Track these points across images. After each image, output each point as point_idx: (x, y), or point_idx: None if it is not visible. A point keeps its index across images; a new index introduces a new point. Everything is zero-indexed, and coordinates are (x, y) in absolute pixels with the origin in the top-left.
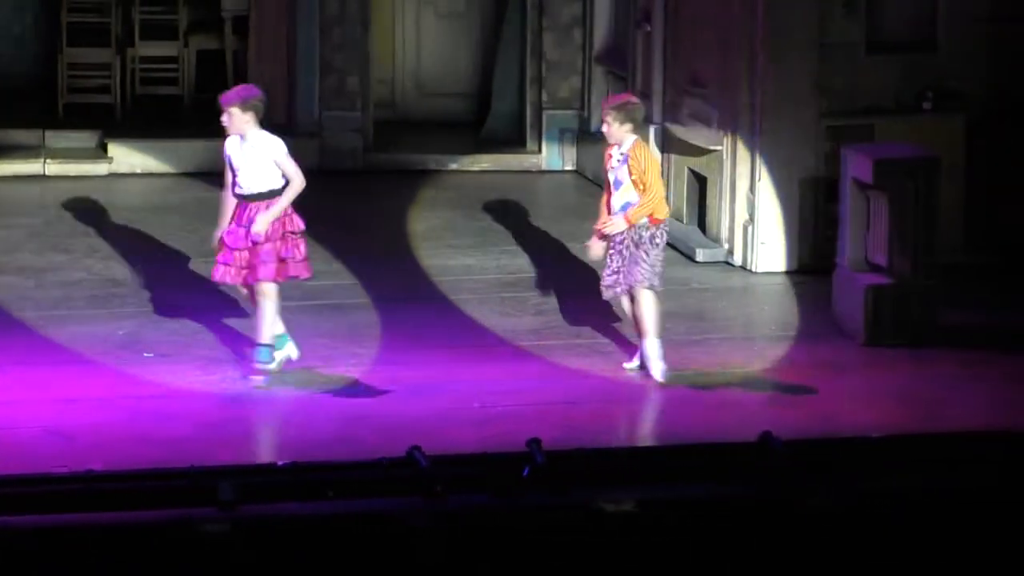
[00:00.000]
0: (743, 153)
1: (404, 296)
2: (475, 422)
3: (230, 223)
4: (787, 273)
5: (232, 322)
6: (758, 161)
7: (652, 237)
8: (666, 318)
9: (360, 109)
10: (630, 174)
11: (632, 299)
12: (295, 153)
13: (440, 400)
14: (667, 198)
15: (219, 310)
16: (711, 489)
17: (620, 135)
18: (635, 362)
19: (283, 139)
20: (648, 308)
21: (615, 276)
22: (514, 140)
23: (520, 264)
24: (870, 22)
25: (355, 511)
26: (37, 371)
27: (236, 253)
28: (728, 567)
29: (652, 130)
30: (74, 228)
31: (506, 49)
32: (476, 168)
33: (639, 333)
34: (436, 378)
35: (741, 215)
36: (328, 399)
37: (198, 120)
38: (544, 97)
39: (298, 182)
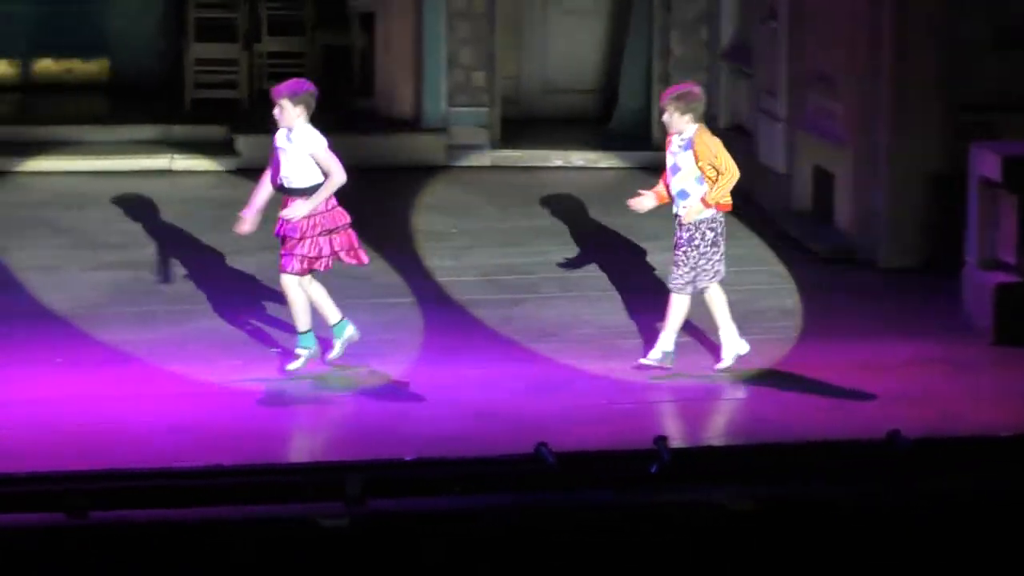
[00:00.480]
0: (869, 149)
1: (528, 291)
2: (602, 419)
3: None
4: (913, 270)
5: (359, 317)
6: (884, 157)
7: (691, 239)
8: (790, 315)
9: (487, 105)
10: (696, 160)
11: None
12: (422, 148)
13: (567, 396)
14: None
15: (347, 308)
16: (838, 487)
17: (680, 125)
18: (725, 362)
19: (410, 135)
20: (675, 310)
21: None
22: (641, 137)
23: (646, 260)
24: (998, 17)
25: (481, 506)
26: (163, 366)
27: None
28: (853, 566)
29: (778, 127)
30: (202, 222)
31: (632, 46)
32: (603, 165)
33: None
34: (563, 374)
35: (867, 211)
36: (455, 394)
37: (324, 116)
38: None
39: (337, 177)
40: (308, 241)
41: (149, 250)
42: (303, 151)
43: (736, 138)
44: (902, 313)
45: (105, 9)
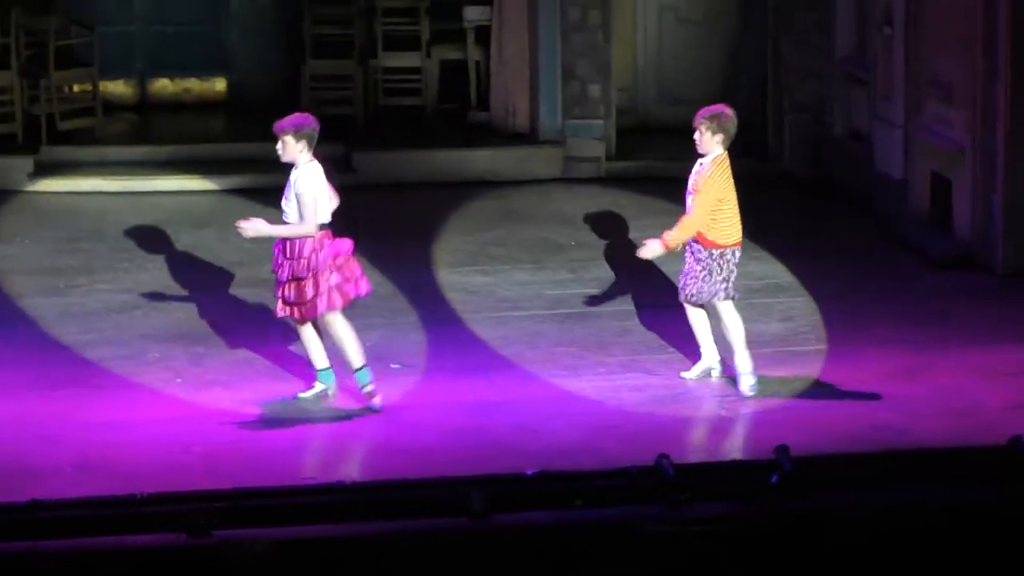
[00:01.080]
0: (987, 154)
1: (648, 304)
2: (722, 429)
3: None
4: None
5: (480, 333)
6: (1002, 162)
7: (715, 261)
8: (908, 321)
9: (602, 116)
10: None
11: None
12: (539, 161)
13: (687, 407)
14: (733, 224)
15: (467, 321)
16: (960, 493)
17: (709, 146)
18: (693, 371)
19: (526, 148)
20: (731, 321)
21: (683, 278)
22: (755, 146)
23: (767, 270)
24: None
25: (603, 520)
26: (287, 383)
27: (283, 286)
28: (975, 572)
29: (895, 133)
30: None
31: (747, 54)
32: None
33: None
34: (682, 385)
35: (985, 216)
36: (575, 407)
37: (441, 130)
38: (785, 103)
39: (304, 228)
40: (328, 272)
41: (267, 268)
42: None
43: (852, 144)
44: (1021, 318)
45: (222, 28)
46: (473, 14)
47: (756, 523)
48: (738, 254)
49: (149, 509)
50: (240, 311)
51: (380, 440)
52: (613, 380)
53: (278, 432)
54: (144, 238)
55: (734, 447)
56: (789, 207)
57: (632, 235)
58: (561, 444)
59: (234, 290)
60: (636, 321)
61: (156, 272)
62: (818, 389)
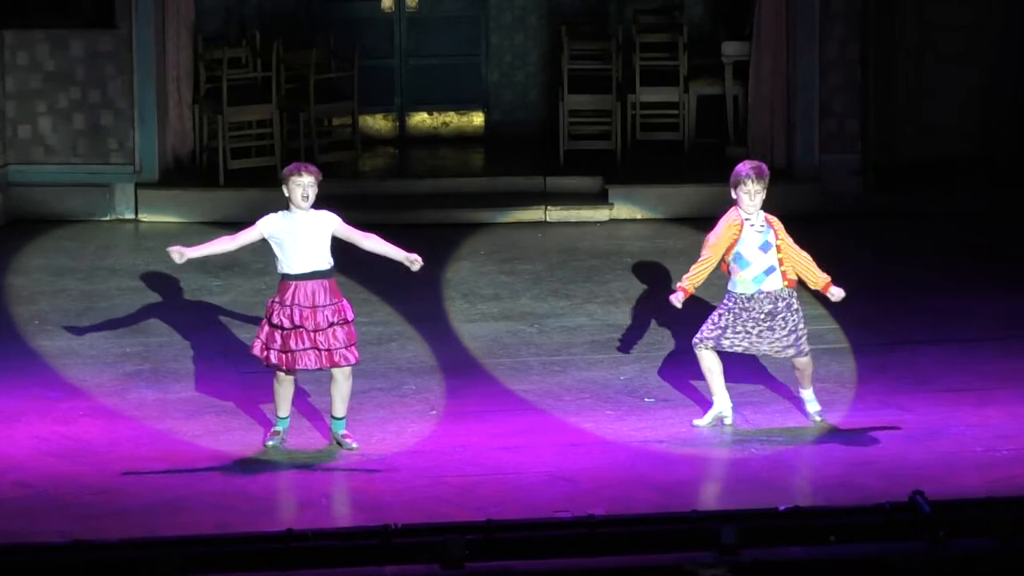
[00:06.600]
0: None
1: (903, 340)
2: (978, 466)
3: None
4: None
5: (736, 367)
6: None
7: (790, 304)
8: None
9: (860, 152)
10: (778, 235)
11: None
12: (796, 196)
13: (943, 444)
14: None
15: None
16: None
17: (760, 203)
18: (705, 419)
19: (784, 183)
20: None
21: (719, 332)
22: (1015, 180)
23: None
24: None
25: (857, 556)
26: (541, 416)
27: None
28: None
29: None
30: (575, 273)
31: (1010, 89)
32: (986, 209)
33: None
34: (939, 422)
35: None
36: (830, 444)
37: (698, 165)
38: None
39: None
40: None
41: (522, 302)
42: (322, 232)
43: None
44: None
45: (480, 63)
46: (731, 49)
47: (1014, 560)
48: None
49: (402, 540)
50: (496, 343)
51: (633, 474)
52: (869, 415)
53: (531, 465)
54: (399, 271)
55: (992, 484)
56: None
57: (889, 269)
58: (818, 479)
59: (490, 323)
60: (892, 357)
61: (414, 304)
62: None
